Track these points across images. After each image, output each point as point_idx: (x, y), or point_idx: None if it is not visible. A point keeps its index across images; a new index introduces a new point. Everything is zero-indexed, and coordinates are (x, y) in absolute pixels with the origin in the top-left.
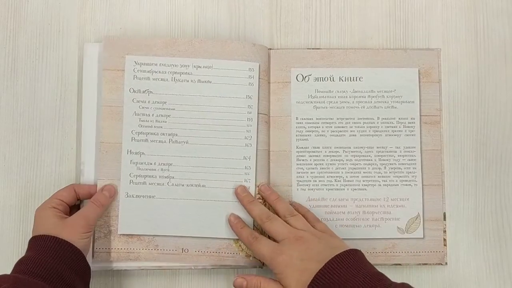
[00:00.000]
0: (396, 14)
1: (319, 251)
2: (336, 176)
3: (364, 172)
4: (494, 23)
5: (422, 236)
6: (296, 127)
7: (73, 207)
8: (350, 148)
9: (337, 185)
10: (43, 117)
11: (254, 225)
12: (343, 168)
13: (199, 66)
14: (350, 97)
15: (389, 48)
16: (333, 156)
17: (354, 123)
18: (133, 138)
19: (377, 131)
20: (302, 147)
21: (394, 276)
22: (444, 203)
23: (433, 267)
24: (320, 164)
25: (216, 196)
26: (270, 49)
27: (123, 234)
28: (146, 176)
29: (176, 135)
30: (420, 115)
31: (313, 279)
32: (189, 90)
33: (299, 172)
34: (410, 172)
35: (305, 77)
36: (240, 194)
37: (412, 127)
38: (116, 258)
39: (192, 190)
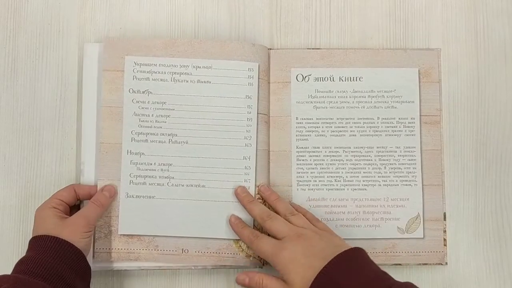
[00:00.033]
0: (396, 14)
1: (322, 248)
2: (336, 176)
3: (364, 172)
4: (494, 23)
5: (422, 236)
6: (296, 127)
7: (73, 208)
8: (350, 148)
9: (337, 185)
10: (43, 117)
11: (254, 225)
12: (343, 168)
13: (198, 67)
14: (350, 97)
15: (389, 48)
16: (333, 156)
17: (354, 123)
18: (133, 139)
19: (377, 131)
20: (302, 147)
21: (394, 276)
22: (444, 203)
23: (433, 267)
24: (320, 164)
25: (216, 197)
26: (270, 49)
27: (124, 235)
28: (146, 176)
29: (176, 135)
30: (420, 115)
31: (317, 275)
32: (189, 90)
33: (299, 172)
34: (410, 172)
35: (305, 77)
36: (240, 194)
37: (412, 127)
38: (116, 258)
39: (192, 191)
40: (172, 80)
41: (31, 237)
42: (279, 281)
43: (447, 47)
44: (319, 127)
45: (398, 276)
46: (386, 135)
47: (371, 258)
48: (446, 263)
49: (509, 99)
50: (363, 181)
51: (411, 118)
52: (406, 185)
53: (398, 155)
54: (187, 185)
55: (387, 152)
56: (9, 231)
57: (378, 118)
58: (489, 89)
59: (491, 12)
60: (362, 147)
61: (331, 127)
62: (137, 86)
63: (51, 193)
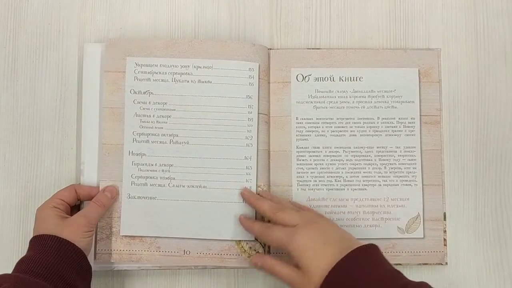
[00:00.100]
0: (396, 14)
1: (337, 238)
2: (336, 176)
3: (364, 172)
4: (494, 23)
5: (422, 236)
6: (296, 127)
7: (74, 208)
8: (350, 148)
9: (337, 185)
10: (43, 117)
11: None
12: (343, 168)
13: (199, 67)
14: (350, 97)
15: (389, 48)
16: (333, 156)
17: (354, 123)
18: (134, 139)
19: (377, 131)
20: (302, 147)
21: None
22: (444, 203)
23: (433, 267)
24: (320, 164)
25: (218, 197)
26: (270, 49)
27: (125, 236)
28: (147, 177)
29: (177, 135)
30: (420, 115)
31: (334, 266)
32: (190, 91)
33: (299, 172)
34: (410, 172)
35: (305, 77)
36: (246, 194)
37: (412, 127)
38: (118, 260)
39: (193, 191)
40: (173, 80)
41: (31, 236)
42: (290, 267)
43: (447, 47)
44: (319, 127)
45: None
46: (386, 135)
47: None
48: (446, 263)
49: (509, 99)
50: (363, 181)
51: (411, 118)
52: (406, 185)
53: (398, 155)
54: (188, 186)
55: (387, 152)
56: (9, 231)
57: (378, 118)
58: (489, 89)
59: (491, 12)
60: (362, 147)
61: (331, 127)
62: (138, 87)
63: (51, 193)
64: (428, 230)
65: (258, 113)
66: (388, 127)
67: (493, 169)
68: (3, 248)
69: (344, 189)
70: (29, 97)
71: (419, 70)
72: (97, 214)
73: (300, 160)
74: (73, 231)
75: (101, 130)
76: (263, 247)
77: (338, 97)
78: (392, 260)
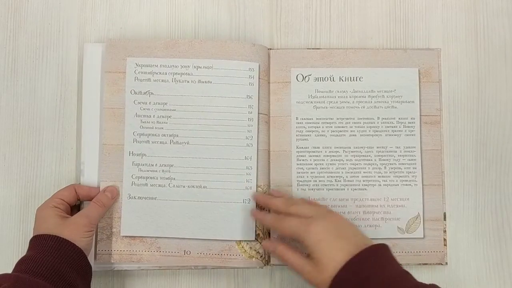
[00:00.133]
0: (396, 14)
1: (353, 233)
2: (336, 176)
3: (364, 172)
4: (494, 23)
5: (422, 236)
6: (296, 127)
7: (73, 208)
8: (350, 148)
9: (337, 185)
10: (43, 117)
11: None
12: (343, 168)
13: (199, 67)
14: (350, 97)
15: (389, 48)
16: (333, 156)
17: (354, 123)
18: (134, 140)
19: (377, 131)
20: (302, 147)
21: None
22: (444, 203)
23: (433, 267)
24: (320, 164)
25: (218, 197)
26: (270, 49)
27: (126, 236)
28: (148, 177)
29: (177, 135)
30: (420, 115)
31: (348, 261)
32: (190, 91)
33: (299, 172)
34: (410, 172)
35: (305, 77)
36: (258, 196)
37: (412, 127)
38: (118, 260)
39: (194, 192)
40: (173, 80)
41: (31, 236)
42: (301, 256)
43: (447, 47)
44: (319, 127)
45: None
46: (386, 135)
47: None
48: (446, 263)
49: (509, 99)
50: (363, 181)
51: (411, 118)
52: (406, 185)
53: (398, 155)
54: (188, 186)
55: (387, 152)
56: (9, 231)
57: (378, 118)
58: (489, 89)
59: (491, 12)
60: (362, 147)
61: (331, 127)
62: (138, 87)
63: (51, 193)
64: (428, 230)
65: (258, 113)
66: (388, 127)
67: (493, 169)
68: (3, 248)
69: (344, 189)
70: (29, 97)
71: (419, 70)
72: (97, 214)
73: (300, 160)
74: (73, 231)
75: (102, 131)
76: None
77: (338, 97)
78: None
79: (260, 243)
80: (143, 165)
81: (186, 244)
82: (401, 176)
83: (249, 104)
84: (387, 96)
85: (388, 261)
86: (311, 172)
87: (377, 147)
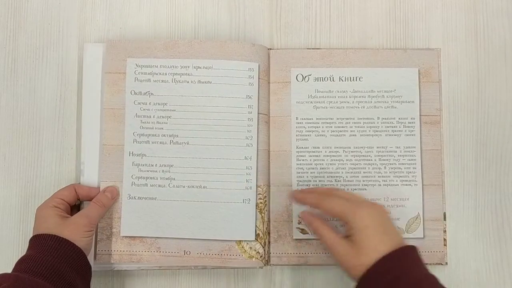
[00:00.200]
0: (396, 14)
1: (395, 230)
2: (336, 176)
3: (364, 172)
4: (494, 23)
5: (422, 236)
6: (296, 127)
7: (73, 208)
8: (350, 148)
9: (337, 185)
10: (43, 117)
11: (256, 226)
12: (343, 168)
13: (199, 67)
14: (350, 97)
15: (389, 48)
16: (333, 156)
17: (354, 123)
18: (134, 140)
19: (377, 131)
20: (302, 147)
21: None
22: (444, 203)
23: (433, 267)
24: (320, 164)
25: (218, 198)
26: (270, 49)
27: (126, 236)
28: (148, 178)
29: (177, 136)
30: (420, 115)
31: (386, 255)
32: (190, 91)
33: (299, 172)
34: (410, 172)
35: (305, 77)
36: (294, 192)
37: (412, 127)
38: (118, 260)
39: (193, 192)
40: (173, 81)
41: (31, 236)
42: (338, 234)
43: (447, 47)
44: (319, 127)
45: None
46: (386, 135)
47: None
48: (446, 263)
49: (509, 99)
50: (363, 181)
51: (411, 118)
52: (406, 185)
53: (398, 155)
54: (188, 186)
55: (387, 152)
56: (9, 231)
57: (378, 118)
58: (489, 89)
59: (491, 12)
60: (362, 147)
61: (331, 127)
62: (138, 87)
63: (51, 193)
64: (428, 230)
65: (258, 113)
66: (388, 127)
67: (493, 169)
68: (3, 248)
69: (344, 189)
70: (29, 97)
71: (419, 70)
72: (97, 214)
73: (300, 160)
74: (73, 230)
75: (102, 131)
76: (263, 247)
77: (338, 97)
78: None
79: (260, 243)
80: (143, 165)
81: (186, 244)
82: (401, 176)
83: (249, 104)
84: (387, 96)
85: (417, 263)
86: (311, 172)
87: (377, 147)
